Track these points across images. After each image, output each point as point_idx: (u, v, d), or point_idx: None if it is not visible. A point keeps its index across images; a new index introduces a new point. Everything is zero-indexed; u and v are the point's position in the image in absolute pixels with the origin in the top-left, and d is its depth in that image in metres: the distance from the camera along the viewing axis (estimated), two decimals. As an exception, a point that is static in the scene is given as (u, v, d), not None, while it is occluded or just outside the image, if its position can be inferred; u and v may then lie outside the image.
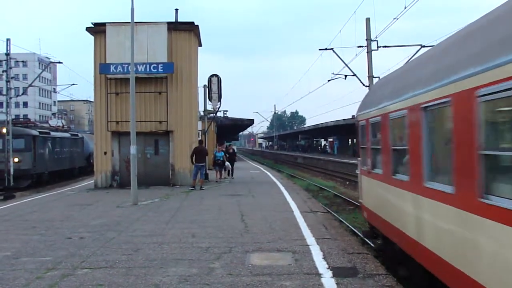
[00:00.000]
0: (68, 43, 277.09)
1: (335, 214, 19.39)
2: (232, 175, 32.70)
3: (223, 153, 30.23)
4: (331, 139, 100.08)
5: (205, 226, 13.67)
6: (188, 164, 25.84)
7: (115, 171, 26.64)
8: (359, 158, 13.44)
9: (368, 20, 28.07)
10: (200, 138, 26.66)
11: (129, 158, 21.17)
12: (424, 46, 28.30)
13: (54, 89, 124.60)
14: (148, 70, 25.79)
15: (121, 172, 26.51)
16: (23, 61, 74.18)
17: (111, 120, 26.45)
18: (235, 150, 40.42)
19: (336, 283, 7.92)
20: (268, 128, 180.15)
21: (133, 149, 19.66)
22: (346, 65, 29.66)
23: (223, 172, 30.93)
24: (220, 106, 33.50)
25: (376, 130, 11.09)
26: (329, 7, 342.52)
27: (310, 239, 11.51)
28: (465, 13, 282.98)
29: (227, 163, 32.26)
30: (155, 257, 9.88)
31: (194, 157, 24.67)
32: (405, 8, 24.94)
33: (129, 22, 20.39)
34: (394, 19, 28.06)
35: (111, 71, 25.90)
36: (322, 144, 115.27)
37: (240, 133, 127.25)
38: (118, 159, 26.67)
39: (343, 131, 71.84)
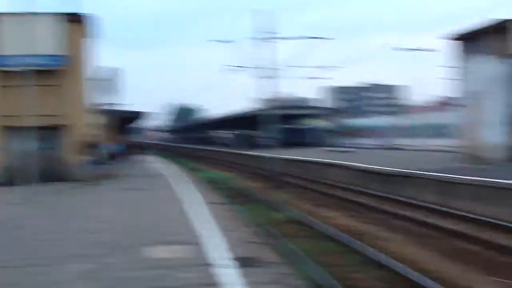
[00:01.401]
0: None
1: (234, 206, 19.73)
2: (131, 168, 32.09)
3: (114, 147, 29.70)
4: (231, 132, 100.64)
5: (103, 221, 13.53)
6: (84, 159, 25.32)
7: (8, 167, 25.59)
8: None
9: (266, 13, 28.70)
10: (89, 132, 26.09)
11: (23, 154, 20.48)
12: (324, 38, 29.39)
13: None
14: (39, 62, 24.89)
15: (15, 168, 25.49)
16: None
17: (2, 114, 25.39)
18: (134, 143, 39.76)
19: (236, 273, 8.18)
20: (168, 121, 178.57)
21: (26, 144, 19.06)
22: (242, 58, 30.16)
23: (112, 166, 30.00)
24: (118, 99, 33.03)
25: None
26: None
27: (209, 231, 11.71)
28: (373, 4, 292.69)
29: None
30: (53, 254, 9.72)
31: (83, 151, 24.32)
32: None
33: (21, 13, 19.70)
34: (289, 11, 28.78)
35: (2, 63, 24.93)
36: (222, 136, 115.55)
37: (136, 126, 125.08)
38: (11, 155, 25.64)
39: (241, 124, 72.48)
